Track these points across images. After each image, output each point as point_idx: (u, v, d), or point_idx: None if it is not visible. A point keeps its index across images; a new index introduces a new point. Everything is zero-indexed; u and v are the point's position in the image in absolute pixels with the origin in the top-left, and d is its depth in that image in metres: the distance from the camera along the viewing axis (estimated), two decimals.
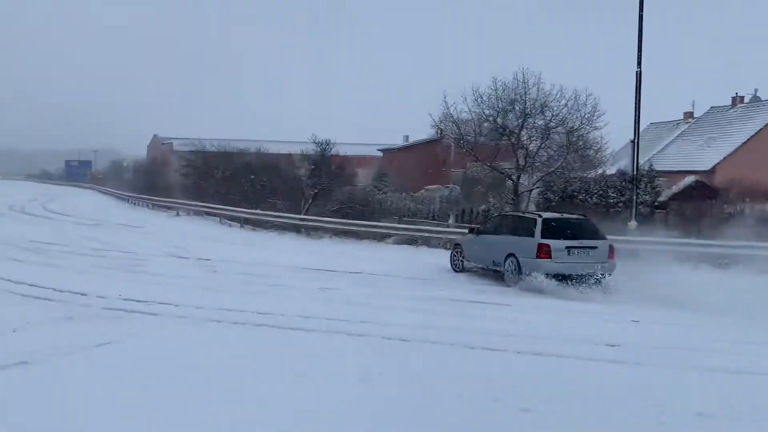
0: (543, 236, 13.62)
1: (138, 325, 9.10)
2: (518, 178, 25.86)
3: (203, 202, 33.80)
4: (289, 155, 35.45)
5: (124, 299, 10.73)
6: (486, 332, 9.15)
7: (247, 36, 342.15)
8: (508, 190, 26.24)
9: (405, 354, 8.03)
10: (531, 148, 26.35)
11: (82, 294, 11.09)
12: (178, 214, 34.88)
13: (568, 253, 13.46)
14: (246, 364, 7.41)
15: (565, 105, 25.40)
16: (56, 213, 34.98)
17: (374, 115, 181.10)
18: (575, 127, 25.58)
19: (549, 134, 25.94)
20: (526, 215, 15.17)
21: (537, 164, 26.32)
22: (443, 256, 17.79)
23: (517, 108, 25.88)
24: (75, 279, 12.74)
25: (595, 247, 13.68)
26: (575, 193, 23.58)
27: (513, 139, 26.03)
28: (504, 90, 25.79)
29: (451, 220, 25.89)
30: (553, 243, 13.44)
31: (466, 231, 17.56)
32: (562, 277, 13.33)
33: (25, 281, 12.17)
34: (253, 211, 28.29)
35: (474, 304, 11.77)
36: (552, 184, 24.80)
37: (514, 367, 7.57)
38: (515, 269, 13.90)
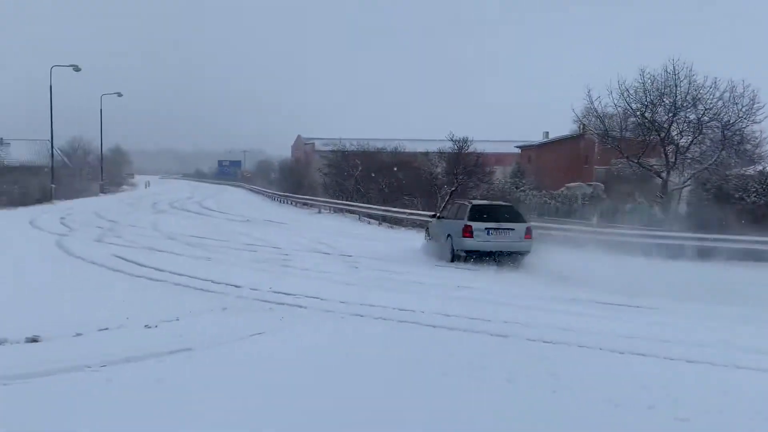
0: (469, 219, 16.03)
1: (288, 317, 9.54)
2: (667, 175, 24.60)
3: (343, 199, 34.89)
4: (426, 153, 35.78)
5: (275, 292, 11.30)
6: (635, 337, 8.78)
7: (387, 37, 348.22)
8: (657, 188, 25.01)
9: (549, 356, 7.84)
10: (681, 144, 25.02)
11: (236, 286, 11.77)
12: (320, 212, 36.21)
13: (488, 233, 15.88)
14: (390, 359, 7.56)
15: (720, 98, 23.91)
16: (211, 210, 37.46)
17: (513, 110, 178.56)
18: (731, 121, 24.00)
19: (702, 129, 24.49)
20: (463, 203, 17.57)
21: (688, 161, 24.95)
22: (584, 257, 17.10)
23: (666, 101, 24.67)
24: (229, 271, 13.57)
25: (512, 229, 16.00)
26: (731, 192, 22.02)
27: (662, 135, 24.80)
28: (653, 83, 24.68)
29: (595, 219, 24.96)
30: (475, 224, 15.89)
31: (430, 215, 20.61)
32: (482, 254, 15.85)
33: (185, 273, 13.12)
34: (390, 208, 28.78)
35: (619, 307, 11.27)
36: (705, 181, 23.33)
37: (669, 373, 7.20)
38: (450, 247, 16.29)
